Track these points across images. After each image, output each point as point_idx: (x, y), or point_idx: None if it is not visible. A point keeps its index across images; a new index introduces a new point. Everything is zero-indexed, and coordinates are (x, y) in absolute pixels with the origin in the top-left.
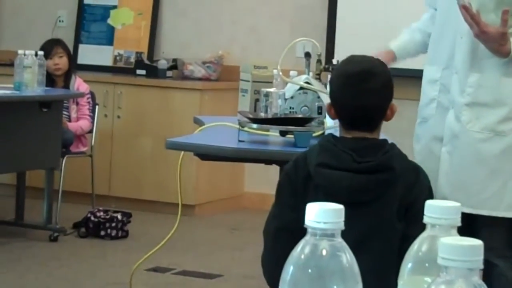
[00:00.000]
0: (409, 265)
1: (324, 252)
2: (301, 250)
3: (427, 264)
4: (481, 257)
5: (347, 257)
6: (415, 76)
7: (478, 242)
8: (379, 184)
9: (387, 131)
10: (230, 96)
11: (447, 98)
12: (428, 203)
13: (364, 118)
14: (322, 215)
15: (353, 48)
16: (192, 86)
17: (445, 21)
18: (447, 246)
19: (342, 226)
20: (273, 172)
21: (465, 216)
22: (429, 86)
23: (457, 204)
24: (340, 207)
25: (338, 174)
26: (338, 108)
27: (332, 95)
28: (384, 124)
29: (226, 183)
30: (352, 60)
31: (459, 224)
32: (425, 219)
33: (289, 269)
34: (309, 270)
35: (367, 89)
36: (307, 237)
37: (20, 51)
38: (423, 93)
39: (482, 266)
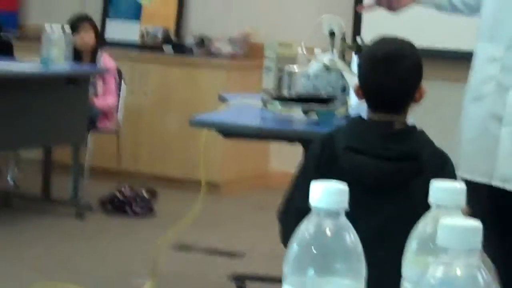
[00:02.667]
0: (414, 245)
1: (327, 232)
2: (304, 229)
3: (431, 245)
4: (480, 238)
5: (351, 236)
6: (439, 56)
7: (477, 223)
8: (406, 172)
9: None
10: (256, 74)
11: (509, 78)
12: (433, 183)
13: (392, 101)
14: (326, 194)
15: (380, 25)
16: (218, 64)
17: None
18: (446, 227)
19: (346, 205)
20: (298, 151)
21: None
22: (487, 64)
23: (462, 185)
24: (344, 187)
25: (365, 160)
26: (365, 90)
27: (360, 76)
28: None
29: (252, 161)
30: (380, 42)
31: (464, 204)
32: (430, 199)
33: (292, 248)
34: (313, 249)
35: (395, 72)
36: (311, 217)
37: (47, 26)
38: (478, 71)
39: (480, 247)
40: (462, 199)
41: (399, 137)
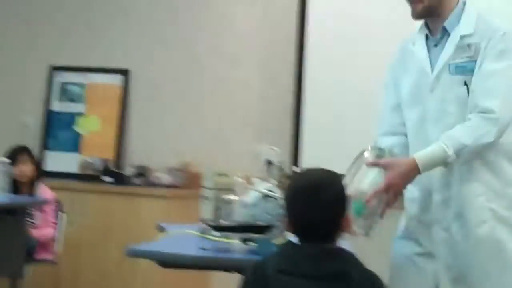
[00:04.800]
0: None
1: None
2: None
3: None
4: None
5: None
6: None
7: None
8: None
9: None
10: (195, 203)
11: (427, 216)
12: None
13: (315, 231)
14: None
15: (319, 155)
16: (158, 193)
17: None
18: None
19: None
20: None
21: None
22: (409, 203)
23: None
24: None
25: (296, 281)
26: (290, 221)
27: (285, 207)
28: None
29: None
30: (303, 173)
31: None
32: None
33: None
34: None
35: (314, 203)
36: None
37: None
38: (405, 209)
39: None
40: None
41: (328, 257)
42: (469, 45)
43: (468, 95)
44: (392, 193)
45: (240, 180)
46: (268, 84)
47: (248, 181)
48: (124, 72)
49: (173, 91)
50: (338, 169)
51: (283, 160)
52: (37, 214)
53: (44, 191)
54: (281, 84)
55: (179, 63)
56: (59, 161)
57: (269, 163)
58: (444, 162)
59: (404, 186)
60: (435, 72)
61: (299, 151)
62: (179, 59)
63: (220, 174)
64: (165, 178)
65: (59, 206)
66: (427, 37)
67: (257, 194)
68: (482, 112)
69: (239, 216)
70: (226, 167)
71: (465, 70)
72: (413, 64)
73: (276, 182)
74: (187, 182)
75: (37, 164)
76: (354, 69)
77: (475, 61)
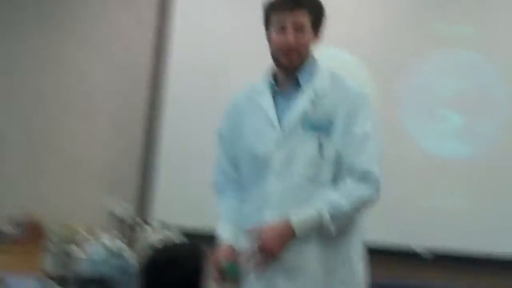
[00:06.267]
0: None
1: None
2: None
3: None
4: None
5: None
6: None
7: None
8: None
9: None
10: (38, 255)
11: None
12: None
13: None
14: None
15: (170, 208)
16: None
17: None
18: None
19: None
20: None
21: None
22: None
23: None
24: None
25: None
26: None
27: (140, 281)
28: None
29: None
30: (161, 249)
31: None
32: None
33: None
34: None
35: (169, 281)
36: None
37: None
38: None
39: None
40: None
41: None
42: (326, 104)
43: (320, 153)
44: (264, 255)
45: (84, 232)
46: (117, 136)
47: (92, 233)
48: None
49: (18, 142)
50: (189, 225)
51: (129, 213)
52: None
53: None
54: (130, 135)
55: (29, 115)
56: None
57: (114, 215)
58: (319, 226)
59: (279, 249)
60: (287, 126)
61: (148, 205)
62: (29, 111)
63: (64, 226)
64: (6, 229)
65: None
66: (272, 87)
67: (101, 247)
68: (361, 175)
69: (82, 268)
70: (71, 219)
71: (320, 127)
72: (258, 116)
73: (120, 235)
74: (30, 233)
75: None
76: (213, 114)
77: (332, 121)
